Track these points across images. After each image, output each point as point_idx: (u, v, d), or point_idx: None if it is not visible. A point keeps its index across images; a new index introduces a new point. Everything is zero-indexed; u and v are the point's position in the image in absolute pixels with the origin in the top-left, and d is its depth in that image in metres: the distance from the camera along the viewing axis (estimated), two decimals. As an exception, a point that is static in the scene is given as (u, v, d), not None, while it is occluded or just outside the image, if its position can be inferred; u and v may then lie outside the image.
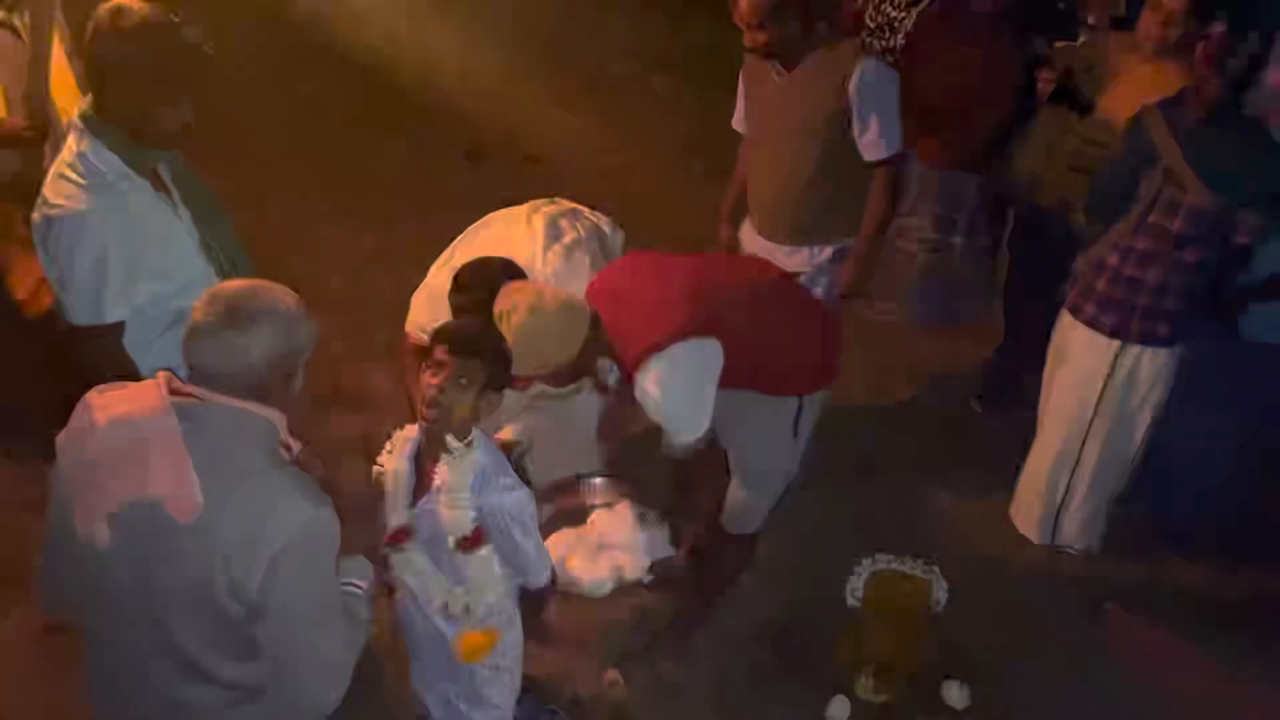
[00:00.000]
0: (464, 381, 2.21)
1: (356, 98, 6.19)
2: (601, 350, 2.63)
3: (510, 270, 2.86)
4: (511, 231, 3.08)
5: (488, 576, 2.36)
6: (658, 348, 2.53)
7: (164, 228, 2.41)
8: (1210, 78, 2.88)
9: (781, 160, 3.37)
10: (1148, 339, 3.13)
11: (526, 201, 3.25)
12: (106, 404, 1.73)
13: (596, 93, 6.77)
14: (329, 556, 1.78)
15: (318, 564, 1.75)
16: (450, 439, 2.26)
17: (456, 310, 2.87)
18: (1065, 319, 3.30)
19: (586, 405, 3.28)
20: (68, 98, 3.24)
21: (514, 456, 2.82)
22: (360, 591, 1.98)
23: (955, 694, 3.03)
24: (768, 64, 3.31)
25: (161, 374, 1.76)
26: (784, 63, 3.26)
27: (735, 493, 3.09)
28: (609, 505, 3.51)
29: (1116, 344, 3.16)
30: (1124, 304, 3.11)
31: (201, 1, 2.40)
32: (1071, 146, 3.49)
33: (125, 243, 2.31)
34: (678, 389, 2.57)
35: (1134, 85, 3.28)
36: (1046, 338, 3.47)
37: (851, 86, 3.16)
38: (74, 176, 2.30)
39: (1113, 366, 3.19)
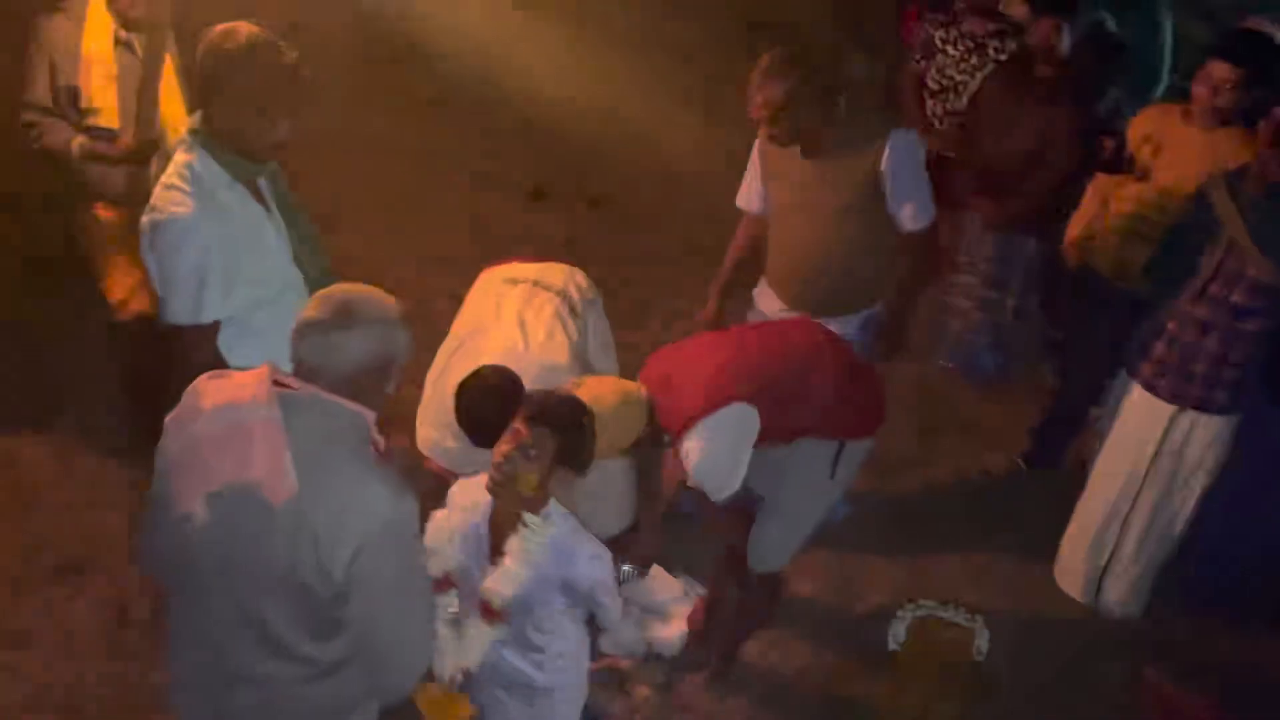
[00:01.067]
0: (533, 453, 2.23)
1: (426, 134, 6.35)
2: (656, 432, 2.73)
3: (507, 376, 2.82)
4: (490, 339, 3.06)
5: (473, 654, 2.36)
6: (697, 418, 2.65)
7: (260, 237, 2.55)
8: (1273, 158, 2.93)
9: (816, 237, 3.28)
10: (1204, 406, 3.16)
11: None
12: (214, 390, 1.84)
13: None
14: (411, 545, 1.87)
15: (401, 551, 1.84)
16: (527, 514, 2.27)
17: (472, 427, 2.80)
18: (1121, 380, 3.33)
19: (620, 465, 3.35)
20: (176, 115, 3.39)
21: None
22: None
23: (993, 747, 3.03)
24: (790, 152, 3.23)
25: (266, 365, 1.86)
26: (807, 147, 3.18)
27: (763, 528, 3.05)
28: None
29: (1172, 409, 3.19)
30: (1182, 370, 3.14)
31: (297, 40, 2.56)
32: (1128, 211, 3.55)
33: (224, 248, 2.45)
34: (714, 453, 2.68)
35: (1186, 154, 3.33)
36: (1096, 400, 3.50)
37: (884, 162, 3.11)
38: (180, 184, 2.45)
39: (1166, 431, 3.21)
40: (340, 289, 1.90)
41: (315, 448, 1.78)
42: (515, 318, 3.06)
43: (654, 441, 2.75)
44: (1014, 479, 4.15)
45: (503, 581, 2.29)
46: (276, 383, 1.83)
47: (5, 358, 4.23)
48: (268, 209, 2.58)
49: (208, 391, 1.84)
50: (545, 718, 2.50)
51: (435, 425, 3.09)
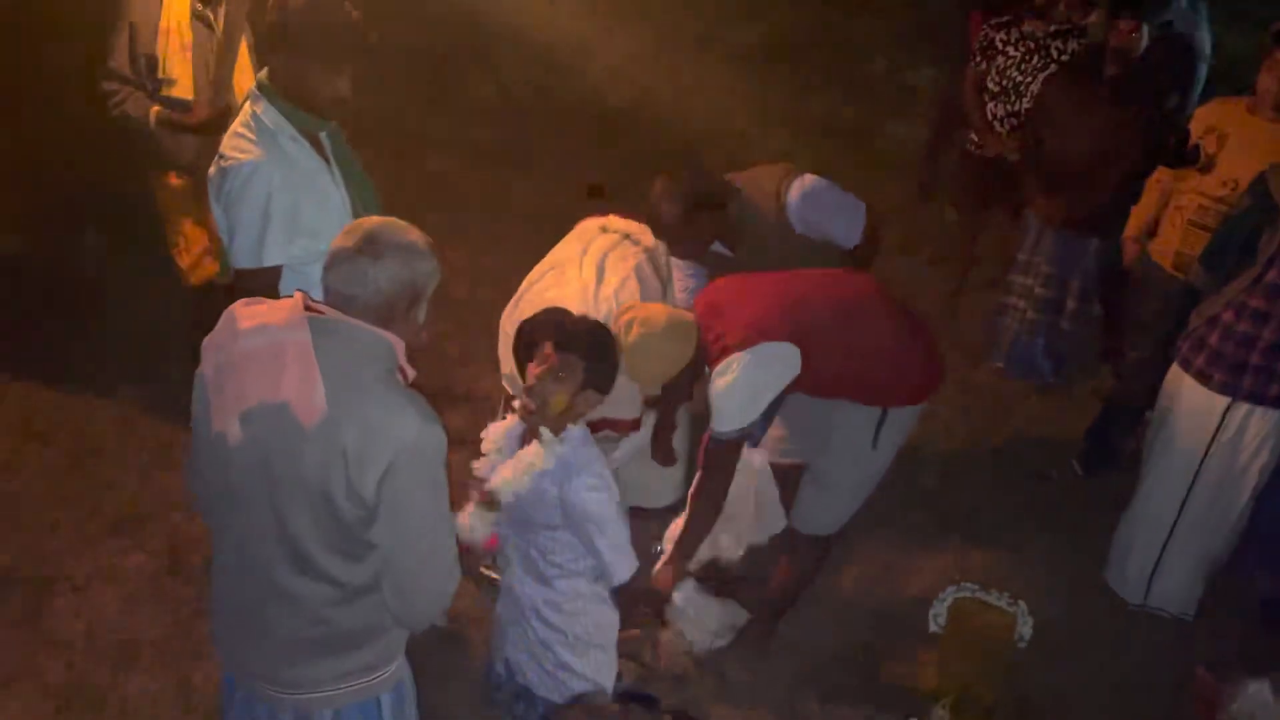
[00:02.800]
0: (562, 375, 2.30)
1: (489, 132, 6.48)
2: (700, 364, 2.75)
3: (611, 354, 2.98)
4: (566, 278, 3.20)
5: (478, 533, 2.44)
6: (740, 348, 2.66)
7: (321, 189, 2.63)
8: None
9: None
10: (1258, 398, 3.09)
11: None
12: (249, 314, 1.88)
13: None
14: (439, 468, 1.88)
15: (429, 472, 1.86)
16: (544, 430, 2.35)
17: (522, 367, 3.00)
18: (1174, 373, 3.27)
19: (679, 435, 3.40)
20: (248, 84, 3.51)
21: None
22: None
23: (1033, 735, 2.98)
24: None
25: (298, 292, 1.92)
26: (728, 245, 3.21)
27: (805, 491, 3.06)
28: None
29: (1226, 401, 3.13)
30: (1235, 360, 3.08)
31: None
32: (1194, 204, 3.50)
33: (287, 195, 2.54)
34: (744, 383, 2.67)
35: (1253, 144, 3.29)
36: (1153, 404, 3.45)
37: (795, 222, 3.13)
38: (247, 133, 2.55)
39: (1220, 424, 3.15)
40: (369, 220, 1.93)
41: (345, 370, 1.81)
42: (597, 261, 3.16)
43: (695, 372, 2.75)
44: (1066, 479, 4.09)
45: (507, 476, 2.37)
46: (309, 308, 1.87)
47: (76, 322, 4.40)
48: (329, 164, 2.67)
49: (243, 315, 1.89)
50: (569, 681, 2.52)
51: (506, 358, 3.18)
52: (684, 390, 2.93)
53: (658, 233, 3.17)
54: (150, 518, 3.58)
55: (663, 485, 3.52)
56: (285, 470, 1.83)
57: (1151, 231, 3.83)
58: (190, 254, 3.62)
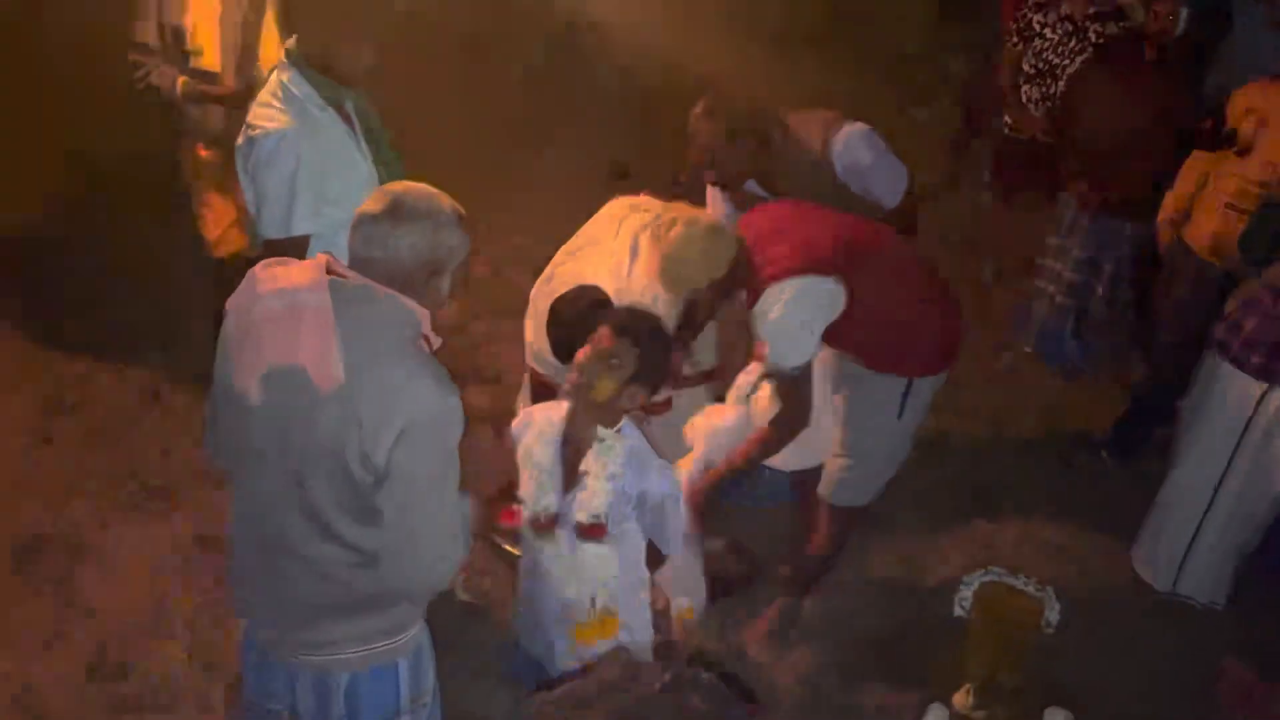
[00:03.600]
0: (614, 362, 2.27)
1: (523, 112, 6.46)
2: (742, 277, 2.69)
3: (601, 303, 2.99)
4: (600, 252, 3.18)
5: (604, 572, 2.43)
6: (790, 274, 2.62)
7: (348, 159, 2.63)
8: None
9: None
10: (1295, 383, 3.04)
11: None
12: (270, 276, 1.87)
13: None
14: (453, 439, 1.87)
15: (442, 442, 1.85)
16: (600, 428, 2.33)
17: (555, 344, 3.03)
18: (1209, 358, 3.22)
19: (689, 402, 3.38)
20: (274, 61, 3.51)
21: None
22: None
23: (1058, 721, 2.95)
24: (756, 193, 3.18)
25: (321, 255, 1.91)
26: (765, 185, 3.15)
27: (835, 463, 3.03)
28: None
29: (1263, 386, 3.08)
30: (1273, 344, 3.03)
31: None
32: (1233, 187, 3.44)
33: (315, 164, 2.54)
34: (794, 316, 2.64)
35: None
36: (1185, 390, 3.40)
37: (838, 167, 3.08)
38: (274, 103, 2.56)
39: (1256, 409, 3.10)
40: (400, 185, 1.93)
41: (364, 336, 1.81)
42: (631, 239, 3.13)
43: (728, 288, 2.71)
44: (1094, 466, 4.04)
45: (593, 498, 2.35)
46: (331, 272, 1.86)
47: (103, 294, 4.43)
48: (356, 134, 2.66)
49: (264, 277, 1.88)
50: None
51: (536, 334, 3.19)
52: (710, 308, 2.83)
53: (696, 157, 3.09)
54: (177, 489, 3.60)
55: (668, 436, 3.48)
56: (302, 433, 1.83)
57: (1187, 215, 3.77)
58: (217, 226, 3.63)
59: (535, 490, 2.45)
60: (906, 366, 2.85)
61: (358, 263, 1.87)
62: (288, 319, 1.81)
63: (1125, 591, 3.47)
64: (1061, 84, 4.49)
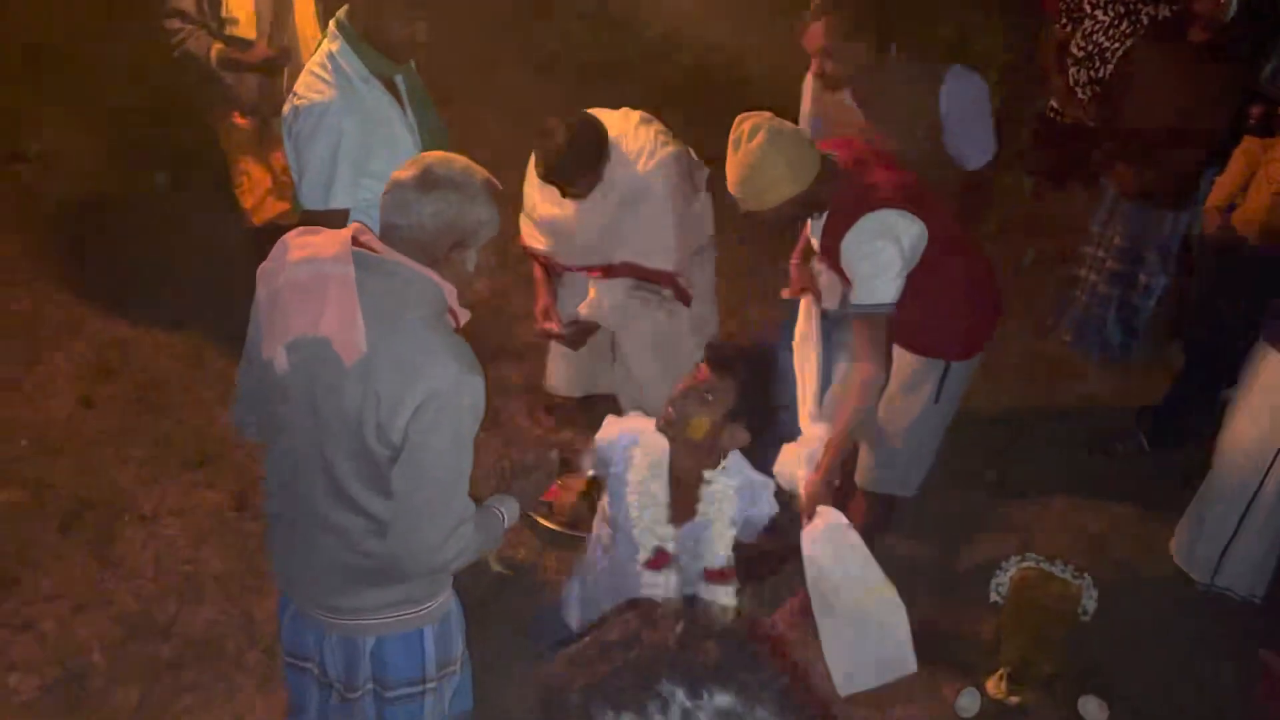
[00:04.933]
0: (710, 397, 2.19)
1: (558, 90, 6.45)
2: (825, 197, 2.58)
3: (593, 121, 3.03)
4: (604, 116, 3.19)
5: (725, 602, 2.40)
6: (886, 205, 2.53)
7: (393, 133, 2.63)
8: None
9: None
10: (1345, 373, 2.99)
11: None
12: (300, 244, 1.87)
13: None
14: (469, 421, 1.85)
15: (456, 424, 1.83)
16: (706, 471, 2.27)
17: (541, 154, 3.02)
18: (1259, 347, 3.18)
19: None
20: (309, 29, 3.51)
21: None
22: (500, 516, 2.05)
23: (1094, 710, 2.94)
24: (846, 103, 3.10)
25: (354, 224, 1.90)
26: (857, 93, 3.06)
27: (876, 452, 2.99)
28: None
29: (1311, 377, 3.03)
30: (1324, 335, 2.98)
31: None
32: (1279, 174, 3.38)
33: (357, 138, 2.55)
34: (891, 249, 2.53)
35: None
36: (1227, 378, 3.35)
37: (942, 103, 3.00)
38: (322, 74, 2.55)
39: (1304, 400, 3.05)
40: (435, 155, 1.91)
41: (387, 309, 1.80)
42: (640, 118, 3.19)
43: (810, 207, 2.60)
44: (1133, 456, 4.00)
45: (718, 545, 2.33)
46: (360, 243, 1.85)
47: (146, 261, 4.47)
48: (403, 108, 2.66)
49: (295, 244, 1.88)
50: None
51: (529, 184, 3.26)
52: (788, 225, 2.76)
53: (810, 42, 2.95)
54: (217, 455, 3.64)
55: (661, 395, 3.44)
56: (326, 403, 1.83)
57: (1237, 201, 3.71)
58: (254, 194, 3.64)
59: (649, 523, 2.36)
60: (947, 349, 2.80)
61: (386, 230, 1.86)
62: (314, 289, 1.81)
63: (1163, 582, 3.44)
64: (1110, 67, 4.41)
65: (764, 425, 2.28)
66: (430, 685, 2.15)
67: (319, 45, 2.66)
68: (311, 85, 2.55)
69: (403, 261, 1.83)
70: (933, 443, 2.95)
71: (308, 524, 1.96)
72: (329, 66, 2.55)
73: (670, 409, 2.23)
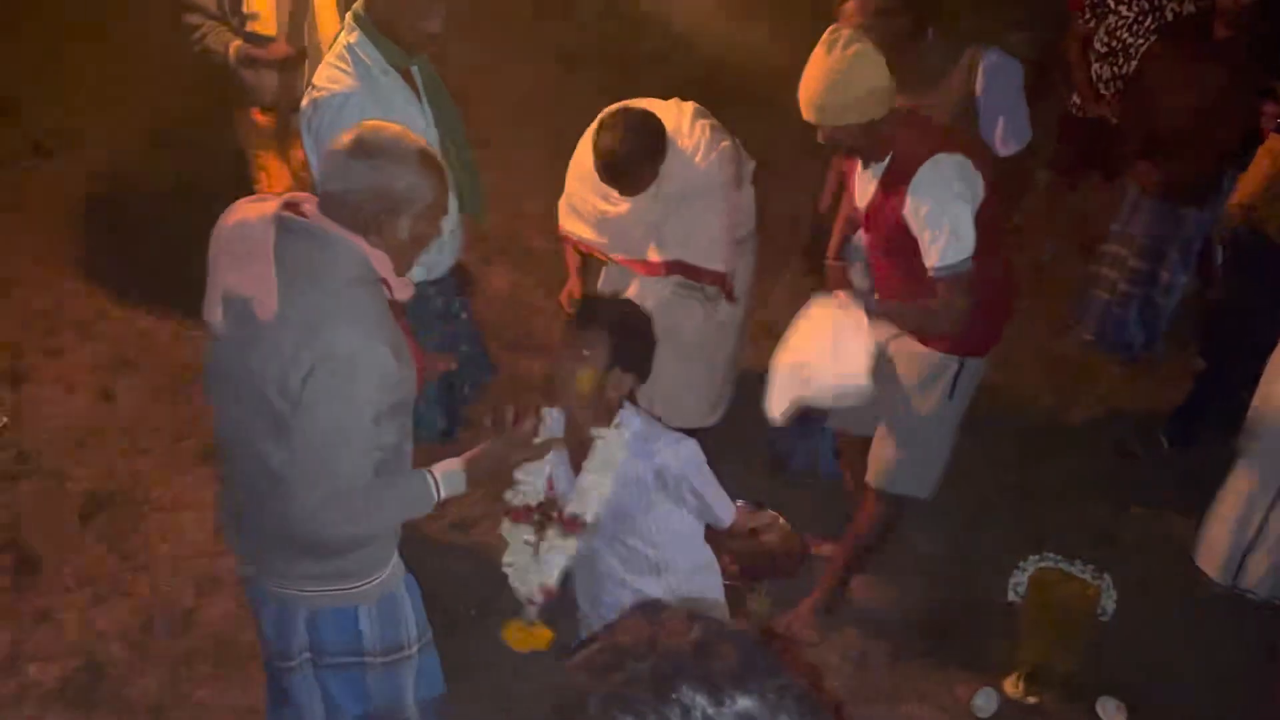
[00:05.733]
0: (586, 353, 2.17)
1: (578, 84, 6.44)
2: (889, 134, 2.53)
3: (652, 119, 2.98)
4: (656, 106, 3.15)
5: (553, 570, 2.31)
6: (955, 150, 2.49)
7: (411, 124, 2.60)
8: None
9: None
10: (1370, 374, 2.95)
11: None
12: (239, 208, 1.92)
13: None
14: (365, 390, 1.84)
15: (347, 391, 1.83)
16: (595, 429, 2.22)
17: (599, 153, 2.98)
18: (1280, 348, 3.15)
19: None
20: (330, 25, 3.51)
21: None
22: (431, 483, 2.01)
23: (1112, 711, 2.92)
24: None
25: (288, 193, 1.94)
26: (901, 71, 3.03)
27: (884, 448, 2.94)
28: None
29: (1337, 378, 2.99)
30: (1348, 334, 2.95)
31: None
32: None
33: None
34: (966, 192, 2.48)
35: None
36: (1249, 378, 3.32)
37: (978, 86, 2.99)
38: (341, 65, 2.56)
39: (1329, 401, 3.01)
40: (370, 124, 1.93)
41: (303, 271, 1.82)
42: (694, 111, 3.15)
43: (875, 139, 2.53)
44: (1153, 455, 3.97)
45: (586, 494, 2.23)
46: (292, 208, 1.88)
47: (166, 254, 4.48)
48: (421, 100, 2.66)
49: (236, 208, 1.92)
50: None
51: (575, 175, 3.23)
52: (851, 149, 2.64)
53: (849, 18, 2.91)
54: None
55: (696, 403, 3.37)
56: (244, 360, 1.86)
57: (1261, 198, 3.66)
58: (273, 189, 3.66)
59: (520, 479, 2.32)
60: (963, 344, 2.76)
61: (322, 197, 1.89)
62: (240, 251, 1.85)
63: (1183, 582, 3.40)
64: (1133, 64, 4.37)
65: (644, 365, 2.25)
66: (372, 661, 2.13)
67: (336, 38, 2.66)
68: (331, 77, 2.55)
69: (326, 226, 1.85)
70: (948, 440, 2.93)
71: (241, 488, 2.00)
72: (348, 58, 2.56)
73: (553, 373, 2.24)
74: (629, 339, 2.22)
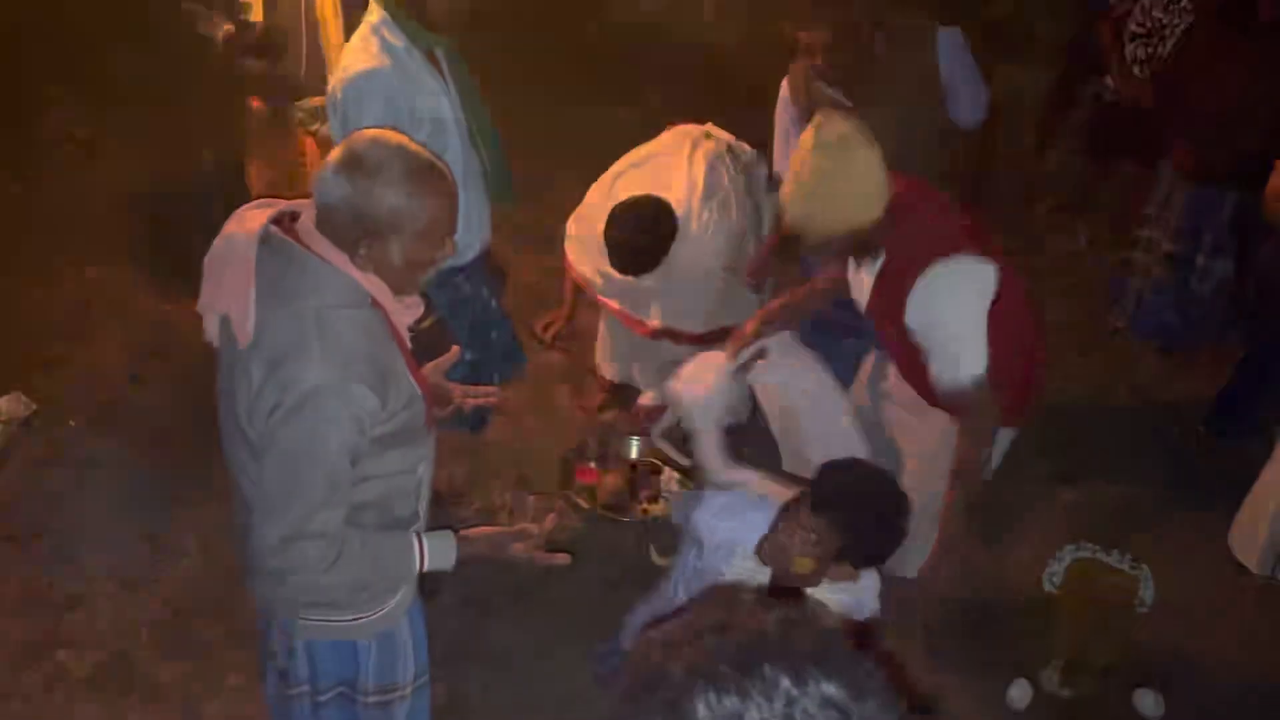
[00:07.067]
0: (813, 539, 1.96)
1: (600, 73, 6.39)
2: (881, 236, 2.24)
3: (665, 213, 3.01)
4: (672, 170, 3.16)
5: None
6: (959, 252, 2.23)
7: (436, 106, 2.59)
8: None
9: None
10: None
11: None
12: (239, 216, 1.77)
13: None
14: (331, 431, 1.67)
15: (310, 429, 1.66)
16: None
17: (612, 247, 3.05)
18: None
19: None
20: (329, 9, 3.44)
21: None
22: (415, 548, 1.87)
23: (1150, 704, 2.87)
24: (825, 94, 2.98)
25: (279, 204, 1.78)
26: (848, 87, 2.95)
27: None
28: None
29: (1379, 365, 2.92)
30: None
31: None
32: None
33: (404, 106, 2.51)
34: (972, 304, 2.22)
35: None
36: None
37: (940, 67, 2.95)
38: (366, 45, 2.54)
39: (1371, 389, 2.95)
40: (370, 133, 1.72)
41: (282, 294, 1.67)
42: (706, 163, 3.17)
43: (865, 247, 2.30)
44: (1190, 443, 3.90)
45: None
46: (286, 220, 1.74)
47: (193, 242, 4.47)
48: (446, 83, 2.63)
49: (236, 216, 1.77)
50: None
51: (582, 220, 3.32)
52: (837, 257, 2.46)
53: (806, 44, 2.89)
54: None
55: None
56: (231, 384, 1.74)
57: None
58: (261, 182, 3.62)
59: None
60: (1006, 414, 2.45)
61: (316, 209, 1.71)
62: (223, 267, 1.72)
63: (1220, 574, 3.36)
64: (1169, 45, 4.29)
65: (880, 557, 2.02)
66: (364, 700, 2.04)
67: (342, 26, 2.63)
68: (355, 56, 2.51)
69: (310, 244, 1.69)
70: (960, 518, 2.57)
71: (238, 503, 1.88)
72: (372, 37, 2.52)
73: (767, 549, 2.02)
74: (864, 530, 1.96)
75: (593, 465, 3.48)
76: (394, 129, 2.30)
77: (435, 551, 1.88)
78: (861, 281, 2.43)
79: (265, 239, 1.70)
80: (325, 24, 3.39)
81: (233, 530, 2.00)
